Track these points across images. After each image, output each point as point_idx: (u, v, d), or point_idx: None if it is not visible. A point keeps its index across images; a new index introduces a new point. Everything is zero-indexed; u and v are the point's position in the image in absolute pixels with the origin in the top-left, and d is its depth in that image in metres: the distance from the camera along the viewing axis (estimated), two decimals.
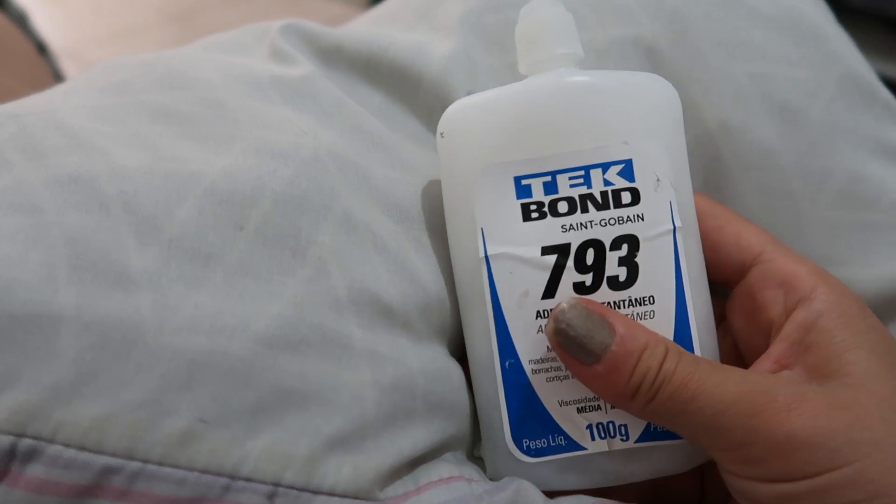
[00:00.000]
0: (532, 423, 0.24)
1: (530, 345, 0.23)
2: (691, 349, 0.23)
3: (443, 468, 0.23)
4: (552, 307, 0.23)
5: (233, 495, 0.19)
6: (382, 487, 0.21)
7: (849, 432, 0.20)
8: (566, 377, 0.23)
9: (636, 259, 0.23)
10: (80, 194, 0.21)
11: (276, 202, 0.22)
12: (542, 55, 0.24)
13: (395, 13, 0.33)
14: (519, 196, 0.23)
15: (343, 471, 0.20)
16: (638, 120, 0.24)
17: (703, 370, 0.21)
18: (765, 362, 0.23)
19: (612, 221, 0.23)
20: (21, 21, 0.55)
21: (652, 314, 0.23)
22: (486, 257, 0.23)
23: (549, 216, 0.23)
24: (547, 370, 0.23)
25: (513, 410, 0.24)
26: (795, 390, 0.21)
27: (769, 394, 0.21)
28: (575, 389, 0.23)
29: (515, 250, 0.23)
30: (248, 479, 0.19)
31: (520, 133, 0.23)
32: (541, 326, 0.23)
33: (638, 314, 0.23)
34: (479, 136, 0.24)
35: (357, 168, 0.25)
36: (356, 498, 0.21)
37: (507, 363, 0.24)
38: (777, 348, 0.23)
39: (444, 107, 0.28)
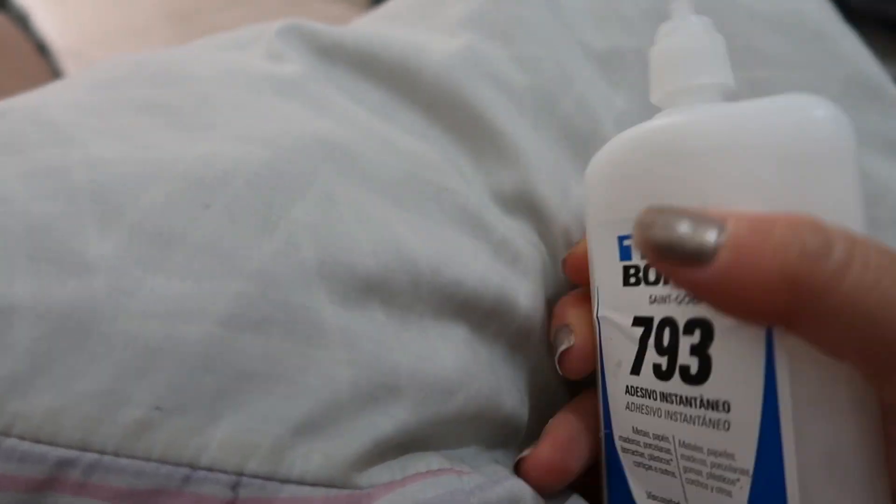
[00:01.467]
0: None
1: (620, 419, 0.21)
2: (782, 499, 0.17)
3: (432, 459, 0.22)
4: (639, 384, 0.20)
5: (194, 486, 0.19)
6: (361, 471, 0.20)
7: None
8: (650, 467, 0.20)
9: (708, 351, 0.18)
10: (50, 185, 0.20)
11: (249, 182, 0.22)
12: (677, 84, 0.20)
13: (396, 13, 0.33)
14: (622, 258, 0.21)
15: (313, 458, 0.20)
16: (780, 179, 0.18)
17: (874, 255, 0.16)
18: None
19: (686, 299, 0.19)
20: (22, 21, 0.55)
21: (726, 425, 0.18)
22: (598, 318, 0.22)
23: (642, 283, 0.20)
24: (633, 452, 0.21)
25: (612, 487, 0.22)
26: None
27: None
28: (662, 484, 0.20)
29: (615, 316, 0.21)
30: (210, 469, 0.19)
31: (629, 184, 0.20)
32: (629, 403, 0.21)
33: (708, 420, 0.19)
34: (596, 186, 0.21)
35: (345, 151, 0.24)
36: (330, 486, 0.20)
37: (604, 432, 0.22)
38: None
39: (447, 100, 0.28)
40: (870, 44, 0.34)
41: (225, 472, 0.19)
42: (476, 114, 0.27)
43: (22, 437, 0.18)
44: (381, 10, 0.34)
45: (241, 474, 0.19)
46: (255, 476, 0.19)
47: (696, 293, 0.18)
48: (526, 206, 0.27)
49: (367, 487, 0.20)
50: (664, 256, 0.17)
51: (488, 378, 0.24)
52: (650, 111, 0.31)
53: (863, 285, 0.16)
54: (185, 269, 0.20)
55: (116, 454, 0.18)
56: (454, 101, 0.28)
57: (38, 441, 0.18)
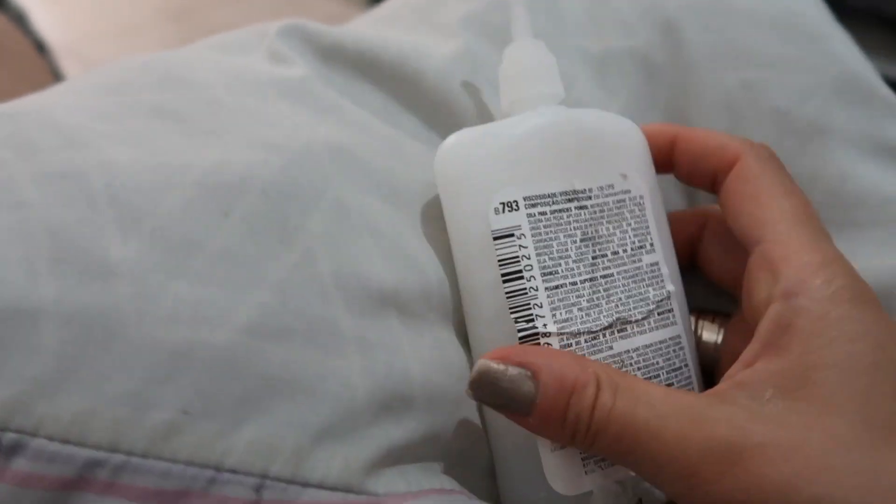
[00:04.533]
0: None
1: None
2: None
3: (445, 480, 0.22)
4: None
5: (218, 488, 0.19)
6: (376, 478, 0.21)
7: (787, 492, 0.18)
8: None
9: None
10: (67, 189, 0.21)
11: (265, 191, 0.22)
12: (525, 93, 0.25)
13: (395, 14, 0.33)
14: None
15: (334, 463, 0.20)
16: (627, 155, 0.25)
17: (640, 414, 0.20)
18: (737, 364, 0.21)
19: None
20: (20, 19, 0.55)
21: None
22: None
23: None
24: None
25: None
26: (737, 434, 0.19)
27: (702, 454, 0.19)
28: None
29: None
30: (234, 472, 0.19)
31: (525, 164, 0.23)
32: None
33: None
34: (485, 167, 0.24)
35: (353, 158, 0.25)
36: (348, 491, 0.20)
37: None
38: (751, 349, 0.21)
39: (446, 104, 0.28)
40: (867, 42, 0.34)
41: (249, 474, 0.19)
42: (474, 119, 0.28)
43: (50, 438, 0.18)
44: (380, 10, 0.34)
45: (264, 477, 0.20)
46: (278, 479, 0.20)
47: (529, 430, 0.21)
48: None
49: (383, 494, 0.21)
50: (497, 408, 0.21)
51: None
52: (645, 113, 0.31)
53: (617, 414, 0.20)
54: (207, 277, 0.20)
55: (144, 455, 0.19)
56: (454, 105, 0.28)
57: (66, 442, 0.18)
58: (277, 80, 0.26)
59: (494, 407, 0.21)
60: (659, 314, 0.24)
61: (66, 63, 0.61)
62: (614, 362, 0.23)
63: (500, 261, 0.23)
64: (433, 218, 0.25)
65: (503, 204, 0.23)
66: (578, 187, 0.24)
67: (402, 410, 0.22)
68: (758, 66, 0.30)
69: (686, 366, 0.25)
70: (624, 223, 0.24)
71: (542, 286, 0.23)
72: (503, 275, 0.23)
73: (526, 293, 0.23)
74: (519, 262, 0.23)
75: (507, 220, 0.23)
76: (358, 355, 0.21)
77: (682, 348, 0.25)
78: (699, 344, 0.27)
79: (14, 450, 0.18)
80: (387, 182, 0.25)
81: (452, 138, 0.25)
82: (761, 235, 0.22)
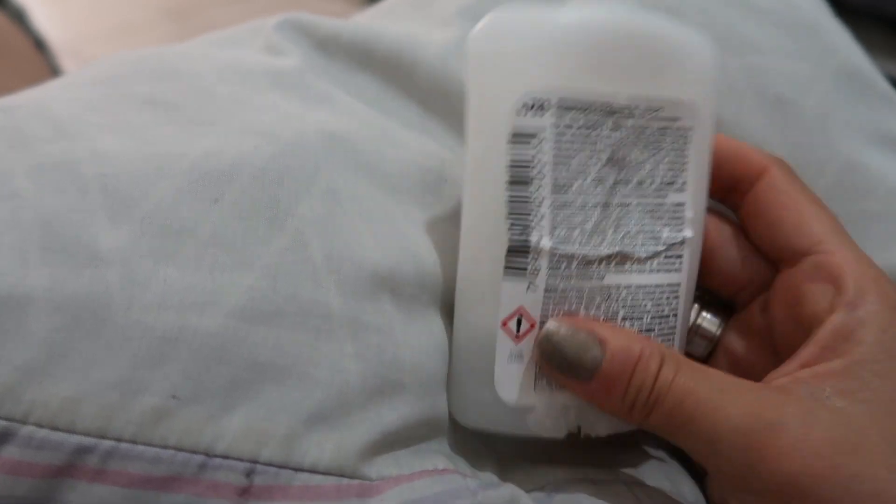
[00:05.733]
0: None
1: None
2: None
3: (438, 460, 0.22)
4: None
5: (209, 473, 0.19)
6: (369, 462, 0.21)
7: (850, 483, 0.19)
8: None
9: None
10: (59, 179, 0.21)
11: (255, 176, 0.22)
12: None
13: (392, 8, 0.33)
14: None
15: (326, 448, 0.20)
16: (690, 78, 0.22)
17: (703, 388, 0.20)
18: (792, 363, 0.22)
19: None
20: (19, 17, 0.55)
21: None
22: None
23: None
24: None
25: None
26: (803, 421, 0.20)
27: (773, 428, 0.20)
28: None
29: None
30: (225, 457, 0.19)
31: (568, 61, 0.21)
32: None
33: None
34: (520, 56, 0.21)
35: (345, 144, 0.24)
36: (340, 476, 0.20)
37: None
38: (808, 351, 0.22)
39: (442, 92, 0.28)
40: (866, 41, 0.34)
41: (240, 459, 0.19)
42: None
43: (39, 425, 0.18)
44: (378, 6, 0.34)
45: (255, 462, 0.19)
46: (270, 464, 0.20)
47: (583, 397, 0.22)
48: None
49: (376, 479, 0.21)
50: (558, 372, 0.22)
51: None
52: None
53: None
54: (196, 262, 0.20)
55: (134, 441, 0.19)
56: (449, 93, 0.28)
57: (55, 428, 0.18)
58: (271, 70, 0.26)
59: (558, 369, 0.21)
60: (666, 257, 0.23)
61: (65, 61, 0.61)
62: (599, 293, 0.22)
63: (511, 163, 0.21)
64: (426, 204, 0.25)
65: (531, 102, 0.21)
66: (621, 102, 0.21)
67: (394, 395, 0.22)
68: (759, 53, 0.30)
69: (674, 315, 0.24)
70: (661, 153, 0.22)
71: (548, 199, 0.21)
72: (510, 178, 0.21)
73: (529, 202, 0.21)
74: (531, 168, 0.21)
75: (530, 122, 0.21)
76: (350, 339, 0.21)
77: (676, 297, 0.24)
78: (698, 330, 0.26)
79: (4, 437, 0.18)
80: (379, 168, 0.25)
81: (490, 17, 0.22)
82: (811, 246, 0.23)
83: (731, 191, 0.25)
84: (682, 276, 0.23)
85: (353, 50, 0.28)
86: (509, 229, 0.21)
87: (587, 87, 0.21)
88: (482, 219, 0.22)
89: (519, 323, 0.22)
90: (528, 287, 0.22)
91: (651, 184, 0.22)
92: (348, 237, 0.22)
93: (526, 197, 0.21)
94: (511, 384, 0.22)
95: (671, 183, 0.23)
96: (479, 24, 0.22)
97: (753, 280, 0.25)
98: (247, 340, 0.20)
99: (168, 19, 1.52)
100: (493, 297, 0.22)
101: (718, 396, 0.20)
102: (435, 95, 0.28)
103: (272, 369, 0.20)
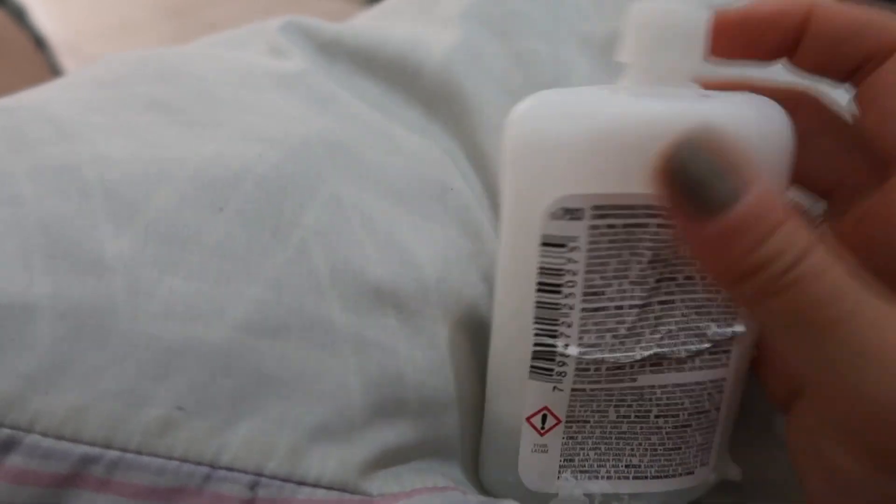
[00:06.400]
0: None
1: None
2: None
3: (438, 478, 0.22)
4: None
5: (214, 485, 0.19)
6: (369, 478, 0.21)
7: None
8: None
9: None
10: (61, 182, 0.20)
11: (259, 185, 0.22)
12: (645, 59, 0.19)
13: (396, 9, 0.33)
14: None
15: (329, 463, 0.20)
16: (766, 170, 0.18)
17: (863, 293, 0.16)
18: None
19: None
20: (20, 16, 0.55)
21: None
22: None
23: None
24: None
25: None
26: None
27: None
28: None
29: None
30: (230, 469, 0.19)
31: (609, 163, 0.18)
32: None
33: None
34: (558, 155, 0.19)
35: (349, 152, 0.24)
36: (343, 490, 0.20)
37: None
38: None
39: (445, 97, 0.27)
40: None
41: (244, 472, 0.19)
42: (473, 110, 0.27)
43: (45, 434, 0.18)
44: (381, 7, 0.34)
45: (259, 475, 0.19)
46: (274, 477, 0.19)
47: (694, 245, 0.18)
48: None
49: (377, 495, 0.21)
50: (677, 194, 0.17)
51: (479, 390, 0.24)
52: None
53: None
54: (201, 272, 0.20)
55: (139, 452, 0.19)
56: (452, 98, 0.28)
57: (61, 438, 0.18)
58: (274, 72, 0.26)
59: (681, 187, 0.17)
60: (710, 354, 0.21)
61: (64, 59, 0.61)
62: (630, 394, 0.21)
63: (540, 269, 0.20)
64: (431, 213, 0.25)
65: (566, 207, 0.19)
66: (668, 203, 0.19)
67: (396, 413, 0.22)
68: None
69: (716, 409, 0.22)
70: None
71: (579, 306, 0.20)
72: (539, 283, 0.20)
73: (557, 309, 0.20)
74: (562, 276, 0.20)
75: (563, 228, 0.19)
76: (353, 354, 0.21)
77: (720, 392, 0.22)
78: None
79: (8, 446, 0.18)
80: (383, 177, 0.25)
81: (530, 102, 0.20)
82: None
83: (853, 72, 0.20)
84: (730, 370, 0.21)
85: (356, 54, 0.28)
86: (535, 335, 0.21)
87: (629, 191, 0.18)
88: (511, 317, 0.21)
89: (544, 419, 0.22)
90: (554, 389, 0.21)
91: (702, 278, 0.20)
92: (351, 249, 0.22)
93: (555, 303, 0.20)
94: (534, 472, 0.22)
95: None
96: (520, 107, 0.20)
97: (854, 179, 0.21)
98: (252, 353, 0.20)
99: (168, 17, 1.52)
100: (519, 393, 0.22)
101: (881, 311, 0.16)
102: (438, 100, 0.28)
103: (277, 383, 0.20)
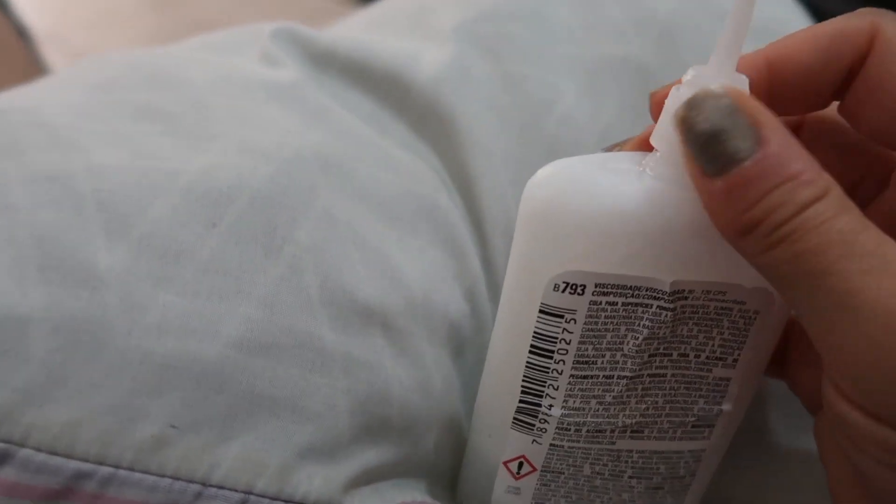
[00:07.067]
0: None
1: None
2: None
3: (416, 493, 0.23)
4: None
5: (204, 502, 0.19)
6: (352, 493, 0.21)
7: None
8: None
9: None
10: (55, 192, 0.20)
11: (253, 199, 0.22)
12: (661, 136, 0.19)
13: (389, 19, 0.32)
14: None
15: (315, 481, 0.20)
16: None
17: (861, 242, 0.15)
18: None
19: None
20: (1, 5, 0.55)
21: None
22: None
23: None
24: None
25: None
26: None
27: None
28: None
29: None
30: (220, 487, 0.19)
31: (616, 246, 0.18)
32: None
33: None
34: (567, 231, 0.19)
35: (341, 167, 0.24)
36: None
37: None
38: None
39: (435, 114, 0.27)
40: None
41: (235, 490, 0.19)
42: (461, 129, 0.27)
43: (38, 448, 0.18)
44: (373, 13, 0.34)
45: (249, 493, 0.20)
46: (263, 495, 0.20)
47: (701, 195, 0.17)
48: (506, 226, 0.27)
49: None
50: (689, 146, 0.17)
51: (458, 408, 0.25)
52: (637, 123, 0.31)
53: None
54: (194, 288, 0.20)
55: (132, 468, 0.19)
56: (440, 117, 0.28)
57: (54, 452, 0.18)
58: (268, 82, 0.26)
59: (695, 139, 0.17)
60: (693, 427, 0.21)
61: (46, 49, 0.60)
62: (607, 454, 0.22)
63: (535, 334, 0.20)
64: (421, 231, 0.25)
65: (567, 282, 0.19)
66: (677, 287, 0.19)
67: (380, 433, 0.22)
68: None
69: (692, 475, 0.22)
70: (715, 331, 0.20)
71: (568, 372, 0.20)
72: (532, 346, 0.20)
73: (546, 372, 0.20)
74: (555, 343, 0.20)
75: (563, 301, 0.19)
76: (342, 374, 0.21)
77: (697, 461, 0.22)
78: None
79: (1, 459, 0.18)
80: (375, 192, 0.25)
81: (550, 170, 0.19)
82: None
83: (837, 92, 0.20)
84: (711, 443, 0.22)
85: (348, 67, 0.28)
86: (522, 392, 0.21)
87: (636, 274, 0.19)
88: (501, 369, 0.22)
89: (520, 466, 0.22)
90: (533, 441, 0.22)
91: (696, 358, 0.20)
92: (341, 267, 0.22)
93: (545, 367, 0.20)
94: None
95: (720, 359, 0.20)
96: (540, 174, 0.19)
97: (852, 178, 0.21)
98: (244, 371, 0.20)
99: (153, 8, 1.50)
100: (500, 437, 0.22)
101: (882, 262, 0.16)
102: (427, 118, 0.28)
103: (268, 401, 0.20)
